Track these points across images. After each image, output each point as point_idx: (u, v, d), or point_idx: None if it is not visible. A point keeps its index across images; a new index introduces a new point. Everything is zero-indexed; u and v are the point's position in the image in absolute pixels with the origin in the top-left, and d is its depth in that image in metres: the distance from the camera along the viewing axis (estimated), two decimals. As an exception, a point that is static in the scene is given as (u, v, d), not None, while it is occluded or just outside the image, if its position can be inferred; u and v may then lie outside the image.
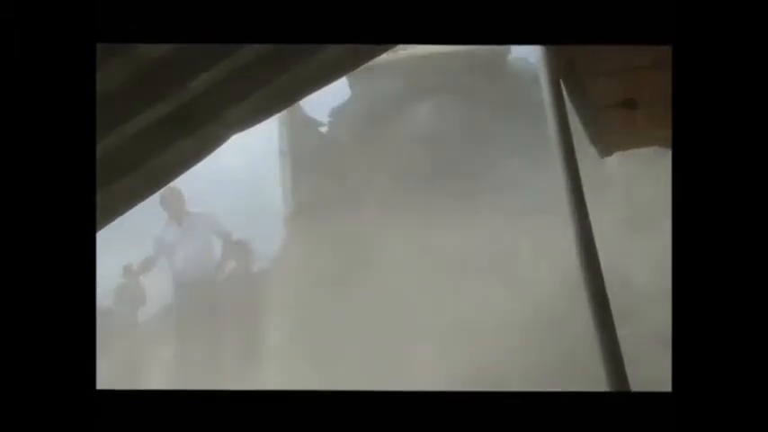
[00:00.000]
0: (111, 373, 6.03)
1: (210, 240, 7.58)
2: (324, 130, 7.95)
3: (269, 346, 6.74)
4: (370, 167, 7.02)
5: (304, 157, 7.64)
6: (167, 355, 7.07)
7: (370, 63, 2.32)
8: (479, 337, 6.02)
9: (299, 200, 7.58)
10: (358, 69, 2.28)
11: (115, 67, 1.83)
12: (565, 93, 2.58)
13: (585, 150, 3.07)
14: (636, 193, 6.14)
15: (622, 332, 2.39)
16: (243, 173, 7.45)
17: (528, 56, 6.90)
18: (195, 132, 2.09)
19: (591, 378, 2.37)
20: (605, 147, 3.29)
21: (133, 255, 7.61)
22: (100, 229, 1.96)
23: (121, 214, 2.10)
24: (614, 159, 4.76)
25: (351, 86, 7.71)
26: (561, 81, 2.56)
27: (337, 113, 7.85)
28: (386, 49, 2.37)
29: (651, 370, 3.01)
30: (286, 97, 2.19)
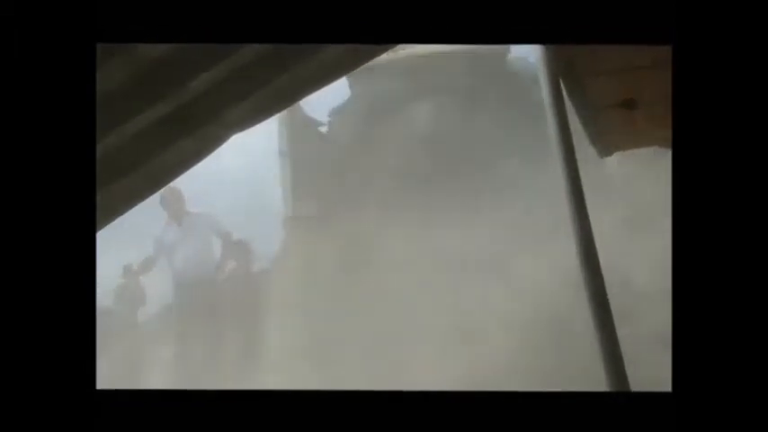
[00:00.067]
0: (111, 373, 6.03)
1: (210, 240, 7.58)
2: (324, 130, 7.96)
3: (269, 346, 6.75)
4: (370, 167, 7.02)
5: (304, 157, 7.65)
6: (167, 355, 7.07)
7: (370, 63, 2.32)
8: (479, 337, 6.03)
9: (299, 200, 7.58)
10: (358, 69, 2.28)
11: (115, 67, 1.83)
12: (565, 93, 2.58)
13: (585, 150, 3.07)
14: (636, 194, 6.14)
15: (622, 332, 2.39)
16: (243, 173, 7.46)
17: (528, 56, 6.91)
18: (195, 132, 2.09)
19: (591, 378, 2.37)
20: (605, 147, 3.29)
21: (133, 255, 7.62)
22: (100, 229, 1.96)
23: (121, 214, 2.10)
24: (614, 159, 4.76)
25: (351, 86, 7.71)
26: (561, 81, 2.56)
27: (337, 113, 7.85)
28: (386, 49, 2.37)
29: (651, 370, 3.01)
30: (286, 97, 2.19)
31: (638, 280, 5.76)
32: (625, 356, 2.36)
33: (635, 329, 4.73)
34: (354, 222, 6.70)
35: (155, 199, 4.15)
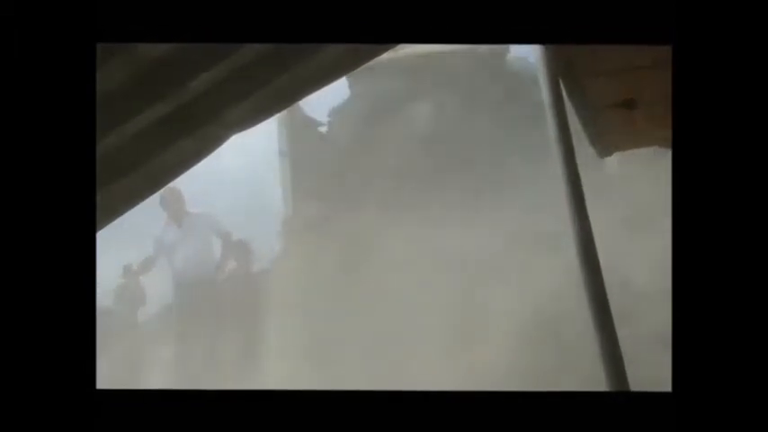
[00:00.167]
0: (111, 373, 6.03)
1: (210, 241, 7.58)
2: (324, 130, 7.96)
3: (269, 346, 6.75)
4: (370, 167, 7.02)
5: (304, 157, 7.65)
6: (167, 355, 7.07)
7: (370, 63, 2.32)
8: (479, 336, 6.03)
9: (299, 200, 7.59)
10: (358, 69, 2.28)
11: (115, 67, 1.83)
12: (564, 93, 2.58)
13: (585, 150, 3.07)
14: (635, 194, 6.14)
15: (622, 332, 2.39)
16: (243, 173, 7.46)
17: (528, 56, 6.90)
18: (195, 132, 2.09)
19: (591, 378, 2.37)
20: (605, 147, 3.29)
21: (133, 255, 7.62)
22: (100, 229, 1.96)
23: (121, 214, 2.10)
24: (614, 159, 4.76)
25: (350, 86, 7.71)
26: (561, 81, 2.55)
27: (337, 113, 7.85)
28: (386, 49, 2.37)
29: (651, 370, 3.01)
30: (286, 97, 2.19)
31: (637, 280, 5.76)
32: (625, 357, 2.37)
33: (635, 329, 4.72)
34: (354, 222, 6.70)
35: (155, 199, 4.15)
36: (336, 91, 7.50)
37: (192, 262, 7.40)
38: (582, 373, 3.00)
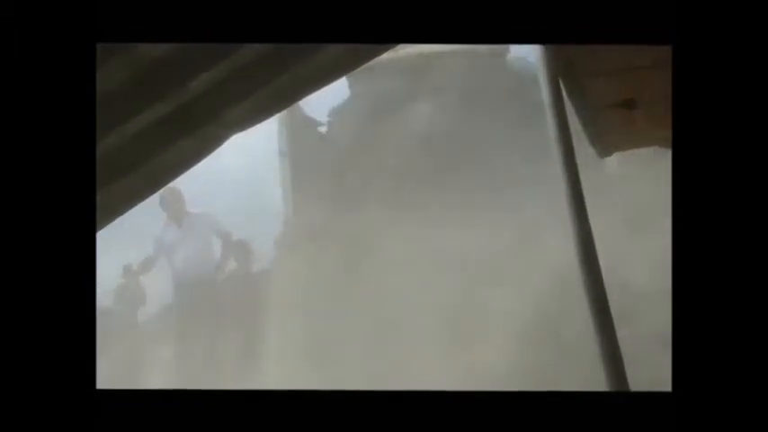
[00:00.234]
0: (111, 373, 6.03)
1: (210, 240, 7.59)
2: (323, 129, 7.96)
3: (269, 346, 6.75)
4: (370, 167, 7.02)
5: (304, 157, 7.65)
6: (167, 355, 7.07)
7: (370, 63, 2.32)
8: (479, 336, 6.03)
9: (299, 200, 7.59)
10: (358, 69, 2.28)
11: (115, 67, 1.83)
12: (564, 93, 2.58)
13: (585, 150, 3.07)
14: (635, 194, 6.13)
15: (622, 332, 2.39)
16: (243, 173, 7.46)
17: (527, 56, 6.91)
18: (195, 132, 2.09)
19: (591, 378, 2.37)
20: (605, 147, 3.29)
21: (133, 255, 7.62)
22: (100, 229, 1.96)
23: (121, 214, 2.10)
24: (614, 159, 4.76)
25: (350, 86, 7.71)
26: (561, 81, 2.55)
27: (337, 113, 7.85)
28: (386, 49, 2.37)
29: (651, 370, 3.01)
30: (286, 97, 2.19)
31: (637, 280, 5.76)
32: (625, 357, 2.37)
33: (634, 330, 4.73)
34: (354, 222, 6.70)
35: (155, 199, 4.15)
36: (336, 91, 7.51)
37: (192, 262, 7.40)
38: (582, 373, 3.00)
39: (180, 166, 2.14)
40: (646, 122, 2.99)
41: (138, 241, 7.39)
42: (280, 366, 6.37)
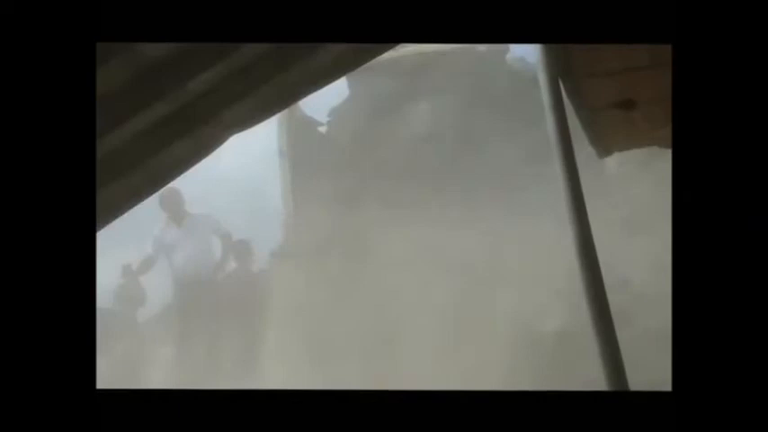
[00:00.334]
0: (111, 373, 6.03)
1: (210, 241, 7.59)
2: (323, 129, 7.96)
3: (269, 346, 6.75)
4: (370, 167, 7.02)
5: (303, 157, 7.64)
6: (167, 355, 7.07)
7: (370, 62, 2.32)
8: (479, 336, 6.03)
9: (299, 200, 7.58)
10: (358, 69, 2.28)
11: (115, 67, 1.83)
12: (564, 93, 2.58)
13: (584, 151, 3.06)
14: (635, 194, 6.14)
15: (621, 332, 2.39)
16: (243, 173, 7.46)
17: (527, 56, 6.91)
18: (195, 132, 2.09)
19: (591, 378, 2.37)
20: (604, 147, 3.29)
21: (133, 255, 7.62)
22: (100, 229, 1.96)
23: (121, 214, 2.10)
24: (613, 160, 4.76)
25: (350, 85, 7.71)
26: (560, 81, 2.56)
27: (336, 113, 7.85)
28: (387, 49, 2.37)
29: (651, 370, 3.01)
30: (286, 97, 2.19)
31: (637, 280, 5.76)
32: (624, 357, 2.36)
33: (634, 330, 4.73)
34: (354, 222, 6.70)
35: (155, 199, 4.15)
36: (336, 91, 7.51)
37: (192, 262, 7.40)
38: (582, 373, 3.00)
39: (180, 166, 2.14)
40: (644, 123, 2.99)
41: (137, 241, 7.39)
42: (280, 366, 6.37)
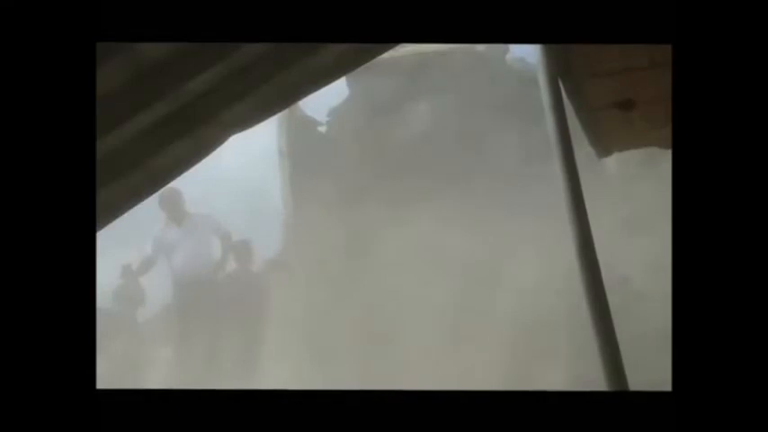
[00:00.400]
0: (111, 373, 6.03)
1: (210, 241, 7.58)
2: (323, 129, 7.96)
3: (269, 346, 6.75)
4: (370, 167, 7.02)
5: (304, 156, 7.64)
6: (167, 355, 7.07)
7: (370, 62, 2.32)
8: (479, 336, 6.03)
9: (299, 200, 7.58)
10: (358, 69, 2.28)
11: (115, 67, 1.83)
12: (564, 93, 2.58)
13: (584, 151, 3.07)
14: (634, 194, 6.14)
15: (621, 332, 2.39)
16: (243, 173, 7.45)
17: (527, 56, 6.91)
18: (195, 132, 2.09)
19: (591, 378, 2.37)
20: (604, 147, 3.29)
21: (133, 255, 7.61)
22: (100, 229, 1.96)
23: (121, 214, 2.10)
24: (613, 160, 4.76)
25: (350, 85, 7.71)
26: (560, 82, 2.56)
27: (336, 112, 7.85)
28: (387, 49, 2.37)
29: (651, 370, 3.01)
30: (286, 97, 2.19)
31: (636, 280, 5.76)
32: (624, 357, 2.37)
33: (634, 330, 4.72)
34: (354, 222, 6.70)
35: (155, 199, 4.15)
36: (336, 90, 7.51)
37: (192, 262, 7.40)
38: (582, 373, 3.01)
39: (179, 167, 2.14)
40: (644, 123, 2.99)
41: (137, 241, 7.39)
42: (280, 366, 6.37)
